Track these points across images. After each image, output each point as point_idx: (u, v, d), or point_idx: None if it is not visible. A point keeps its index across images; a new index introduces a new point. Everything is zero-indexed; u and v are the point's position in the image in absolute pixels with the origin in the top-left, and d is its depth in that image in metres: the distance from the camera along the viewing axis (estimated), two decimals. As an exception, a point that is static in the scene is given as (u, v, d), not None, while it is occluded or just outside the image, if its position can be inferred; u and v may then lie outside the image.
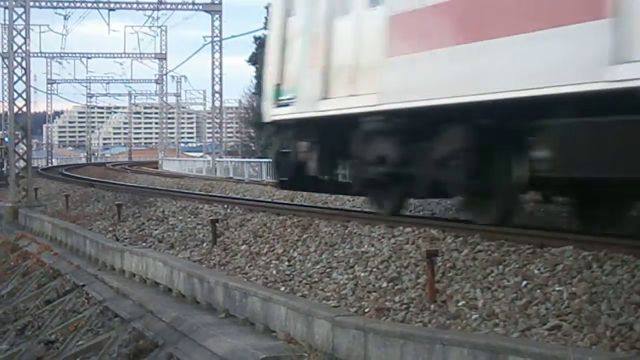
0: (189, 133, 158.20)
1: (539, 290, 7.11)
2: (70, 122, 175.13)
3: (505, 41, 8.64)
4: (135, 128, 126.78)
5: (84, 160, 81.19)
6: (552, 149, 8.39)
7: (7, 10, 27.18)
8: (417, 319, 7.50)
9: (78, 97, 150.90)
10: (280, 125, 13.65)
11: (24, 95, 27.62)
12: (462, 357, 6.32)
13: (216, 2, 44.96)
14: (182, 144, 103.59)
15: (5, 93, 31.30)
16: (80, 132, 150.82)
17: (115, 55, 63.58)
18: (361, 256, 9.53)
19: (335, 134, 12.38)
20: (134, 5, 45.16)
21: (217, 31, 45.17)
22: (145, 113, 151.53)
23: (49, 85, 72.60)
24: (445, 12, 9.71)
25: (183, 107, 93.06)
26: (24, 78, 27.67)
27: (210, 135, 56.79)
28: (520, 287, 7.31)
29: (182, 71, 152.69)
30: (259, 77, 44.83)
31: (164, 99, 71.62)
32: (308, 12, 12.79)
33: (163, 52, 63.15)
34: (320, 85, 12.07)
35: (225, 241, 12.44)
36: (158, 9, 46.11)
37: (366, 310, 8.06)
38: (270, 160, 18.74)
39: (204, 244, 12.85)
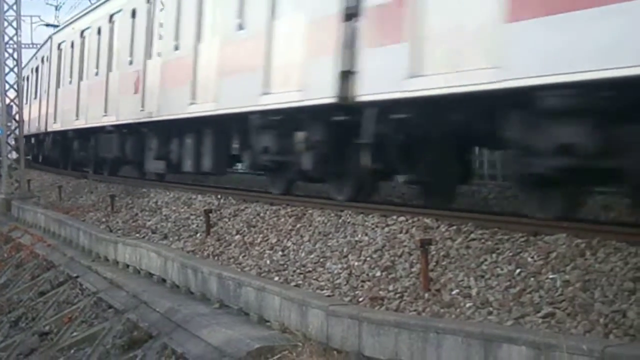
0: None
1: (532, 278, 7.13)
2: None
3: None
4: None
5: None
6: None
7: (-3, 2, 27.01)
8: (411, 307, 7.52)
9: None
10: None
11: (15, 86, 27.56)
12: (457, 345, 6.34)
13: None
14: None
15: (-3, 84, 31.03)
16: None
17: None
18: (355, 245, 9.54)
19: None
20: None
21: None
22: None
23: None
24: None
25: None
26: (15, 69, 27.59)
27: None
28: (513, 275, 7.32)
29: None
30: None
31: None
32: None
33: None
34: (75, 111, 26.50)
35: (219, 231, 12.44)
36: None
37: (360, 299, 8.08)
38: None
39: (198, 235, 12.84)
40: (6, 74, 26.95)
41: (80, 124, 25.87)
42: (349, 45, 11.06)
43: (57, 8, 50.85)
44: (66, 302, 13.89)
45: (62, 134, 29.28)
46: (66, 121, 27.86)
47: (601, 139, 7.77)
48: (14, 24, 27.09)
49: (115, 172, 23.92)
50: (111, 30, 23.09)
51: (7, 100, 27.36)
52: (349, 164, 11.88)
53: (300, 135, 12.61)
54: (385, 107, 10.46)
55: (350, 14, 11.10)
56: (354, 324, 7.38)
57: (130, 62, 20.68)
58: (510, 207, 12.16)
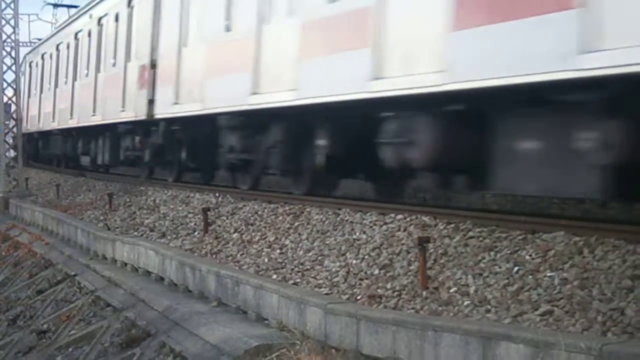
0: None
1: (530, 276, 7.13)
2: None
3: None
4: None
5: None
6: None
7: (-5, 0, 26.98)
8: (409, 305, 7.51)
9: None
10: None
11: (13, 84, 27.54)
12: (454, 343, 6.33)
13: None
14: None
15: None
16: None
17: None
18: (353, 243, 9.54)
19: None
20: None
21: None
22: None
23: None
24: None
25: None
26: (13, 67, 27.57)
27: None
28: (511, 273, 7.32)
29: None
30: None
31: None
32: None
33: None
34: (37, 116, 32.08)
35: (217, 229, 12.43)
36: None
37: (358, 297, 8.07)
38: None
39: (196, 233, 12.83)
40: (4, 72, 26.94)
41: (41, 127, 32.88)
42: (152, 84, 18.67)
43: (55, 6, 50.82)
44: (64, 301, 13.88)
45: (31, 134, 35.46)
46: (33, 124, 34.38)
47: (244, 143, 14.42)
48: (12, 22, 27.09)
49: (67, 165, 30.39)
50: (57, 57, 30.90)
51: (5, 99, 27.34)
52: (170, 156, 18.88)
53: (137, 139, 20.80)
54: (168, 122, 18.11)
55: (153, 64, 18.75)
56: (352, 322, 7.38)
57: (66, 82, 28.79)
58: (509, 205, 12.18)
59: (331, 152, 12.10)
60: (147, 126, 19.36)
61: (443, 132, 9.66)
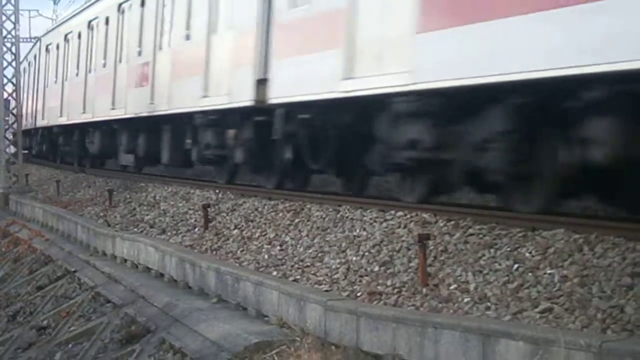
0: None
1: (530, 274, 7.13)
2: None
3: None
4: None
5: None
6: None
7: (-5, -4, 26.95)
8: (409, 302, 7.52)
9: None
10: None
11: (13, 80, 27.53)
12: (454, 340, 6.34)
13: None
14: None
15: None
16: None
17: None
18: (353, 240, 9.54)
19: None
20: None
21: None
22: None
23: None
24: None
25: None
26: (13, 63, 27.55)
27: None
28: (511, 271, 7.33)
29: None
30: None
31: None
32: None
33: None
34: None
35: (217, 226, 12.44)
36: None
37: (358, 294, 8.08)
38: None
39: (196, 229, 12.84)
40: (4, 68, 26.92)
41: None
42: (43, 105, 32.83)
43: (55, 2, 50.74)
44: (64, 297, 13.88)
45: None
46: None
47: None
48: (12, 17, 27.08)
49: (33, 155, 39.51)
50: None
51: (5, 95, 27.32)
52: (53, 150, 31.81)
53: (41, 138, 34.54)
54: (47, 129, 32.18)
55: (43, 94, 32.88)
56: (352, 319, 7.38)
57: (27, 95, 37.78)
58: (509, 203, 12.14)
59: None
60: (44, 130, 32.87)
61: (134, 136, 20.70)
